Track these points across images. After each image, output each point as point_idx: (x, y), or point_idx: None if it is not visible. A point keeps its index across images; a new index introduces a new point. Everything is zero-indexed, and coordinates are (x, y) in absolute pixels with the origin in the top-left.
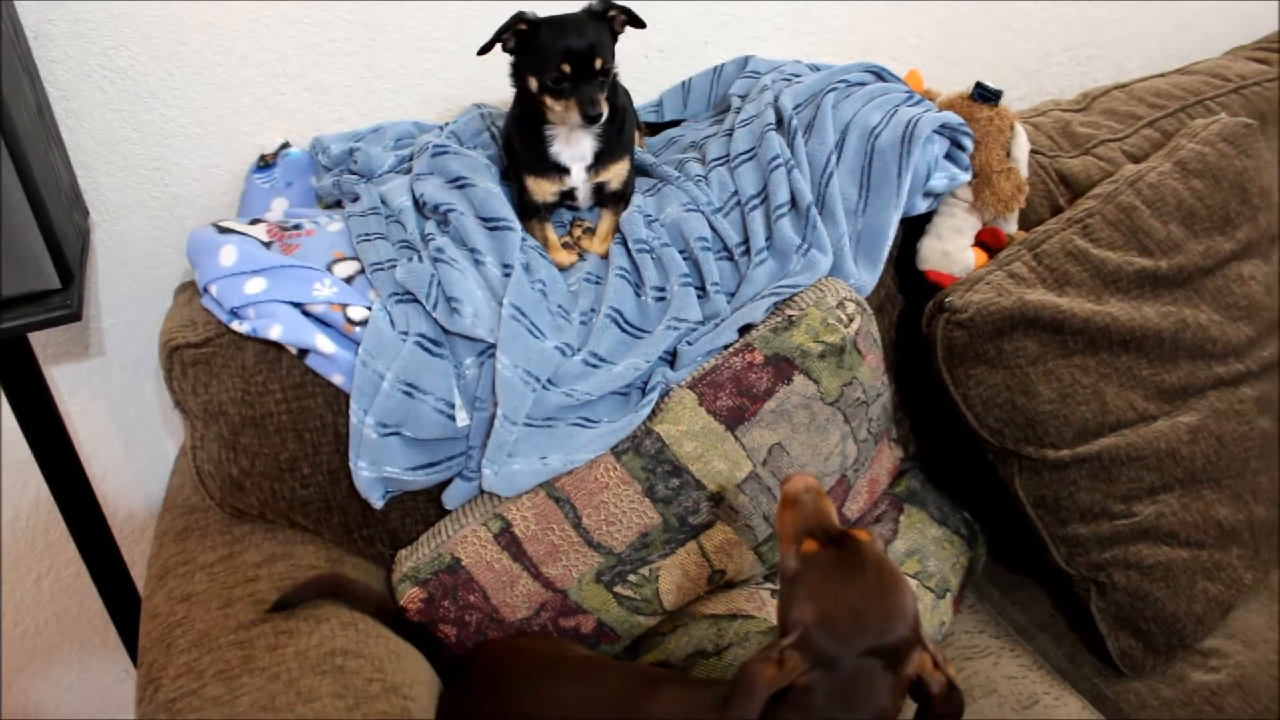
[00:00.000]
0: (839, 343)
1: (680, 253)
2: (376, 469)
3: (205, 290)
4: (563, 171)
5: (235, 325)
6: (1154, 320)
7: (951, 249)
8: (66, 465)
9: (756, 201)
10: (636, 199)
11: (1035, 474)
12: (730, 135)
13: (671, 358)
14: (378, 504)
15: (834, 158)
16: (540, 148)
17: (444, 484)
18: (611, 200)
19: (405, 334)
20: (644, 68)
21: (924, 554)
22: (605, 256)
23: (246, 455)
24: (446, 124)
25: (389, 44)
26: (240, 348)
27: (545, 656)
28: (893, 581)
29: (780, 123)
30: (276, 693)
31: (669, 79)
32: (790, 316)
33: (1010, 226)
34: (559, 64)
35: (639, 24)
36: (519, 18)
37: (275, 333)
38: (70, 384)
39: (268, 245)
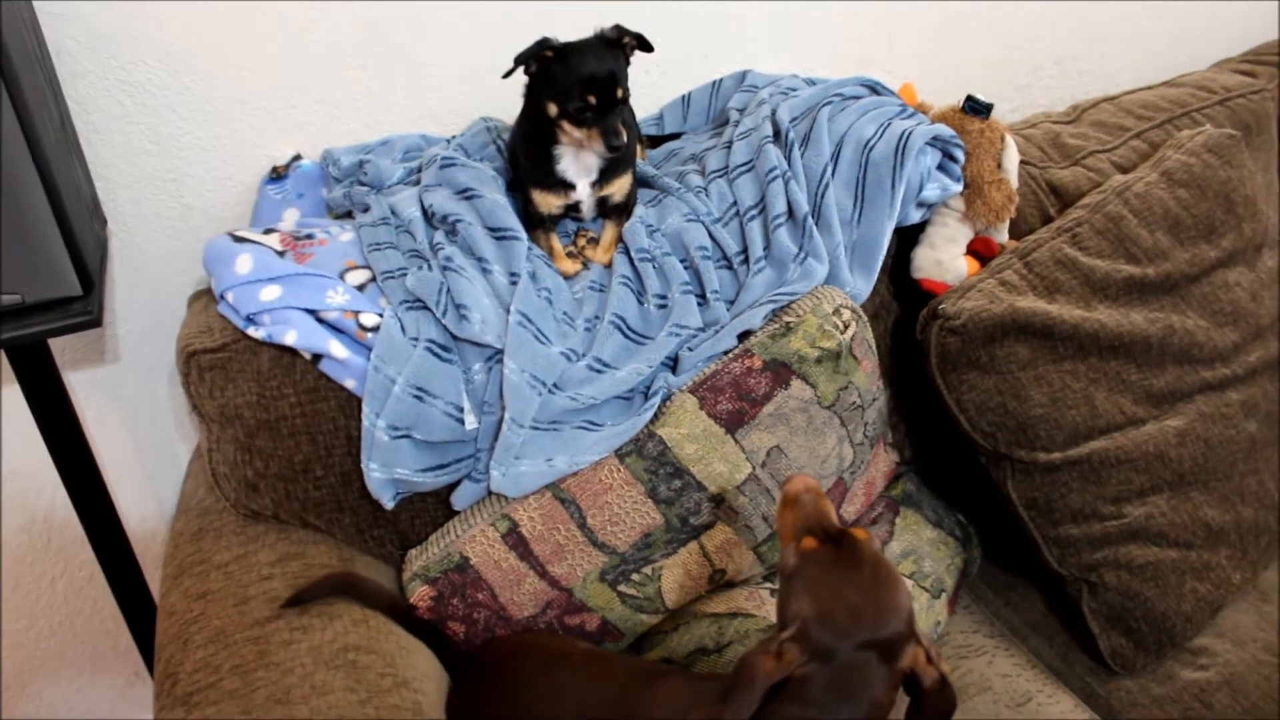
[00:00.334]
0: (835, 348)
1: (681, 261)
2: (388, 470)
3: (221, 297)
4: (568, 186)
5: (251, 331)
6: (1142, 326)
7: (944, 258)
8: (84, 469)
9: (755, 212)
10: (638, 210)
11: (1027, 476)
12: (729, 148)
13: (673, 363)
14: (389, 504)
15: (829, 169)
16: (548, 165)
17: (452, 486)
18: (614, 212)
19: (416, 340)
20: (644, 82)
21: (919, 555)
22: (608, 265)
23: (261, 457)
24: (453, 137)
25: (397, 59)
26: (256, 353)
27: (550, 652)
28: (888, 577)
29: (777, 135)
30: (291, 686)
31: (669, 93)
32: (788, 323)
33: (1001, 235)
34: (583, 94)
35: (649, 48)
36: (545, 44)
37: (290, 338)
38: (86, 390)
39: (281, 254)
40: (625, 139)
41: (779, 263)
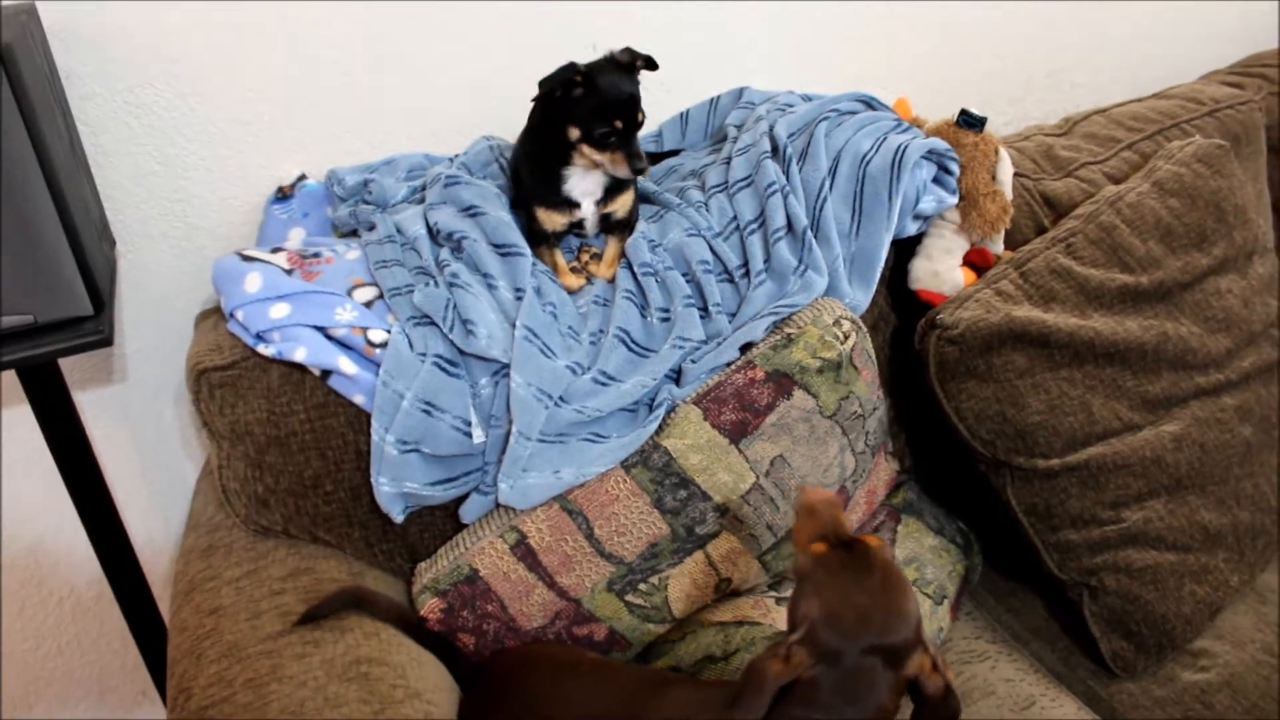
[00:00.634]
0: (836, 359)
1: (683, 275)
2: (397, 484)
3: (231, 316)
4: (573, 205)
5: (261, 349)
6: (1136, 334)
7: (941, 269)
8: (93, 489)
9: (755, 226)
10: (640, 225)
11: (1026, 483)
12: (728, 163)
13: (676, 375)
14: (398, 518)
15: (827, 183)
16: (554, 184)
17: (460, 499)
18: (617, 228)
19: (423, 355)
20: (644, 100)
21: (921, 562)
22: (612, 280)
23: (271, 473)
24: (456, 155)
25: (400, 79)
26: (265, 370)
27: (559, 662)
28: (898, 584)
29: (775, 151)
30: (305, 699)
31: (668, 110)
32: (789, 334)
33: (997, 246)
34: (609, 119)
35: (654, 68)
36: (574, 69)
37: (300, 355)
38: (93, 409)
39: (289, 272)
40: (645, 161)
41: (779, 275)
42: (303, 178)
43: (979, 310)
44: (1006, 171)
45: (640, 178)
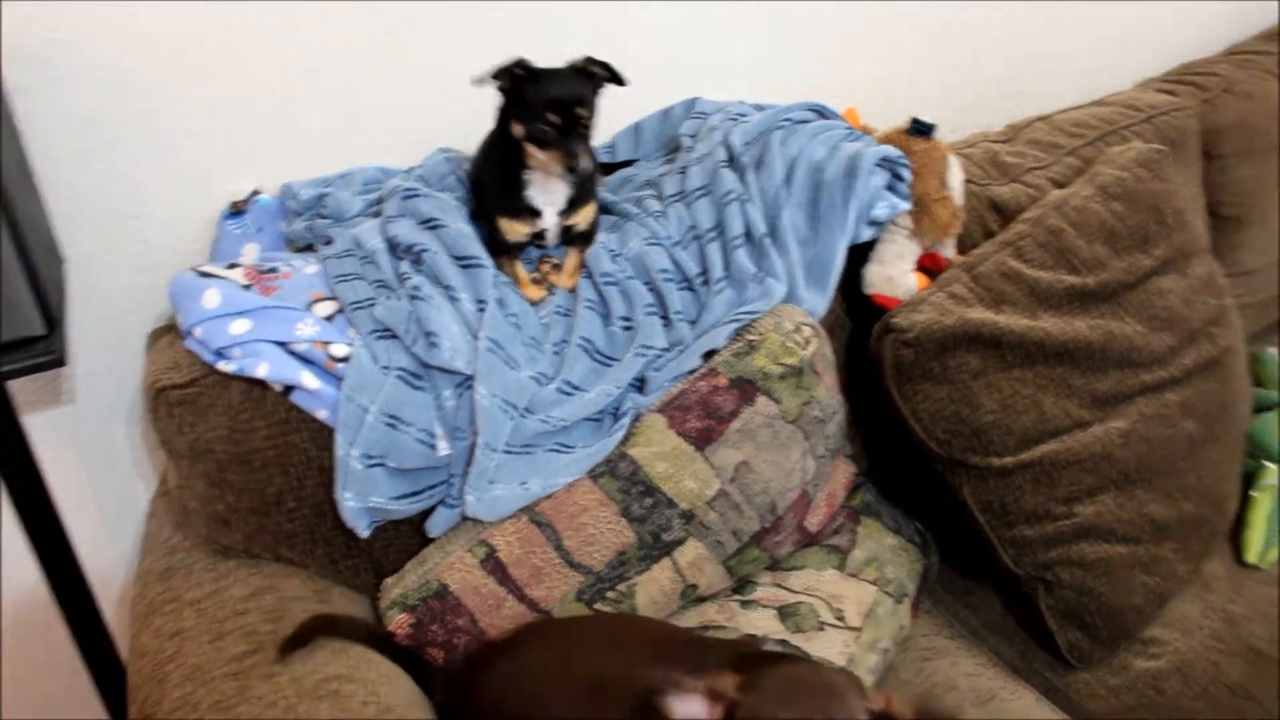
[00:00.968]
0: (797, 364)
1: (644, 284)
2: (362, 499)
3: (189, 333)
4: (535, 214)
5: (221, 365)
6: (1084, 333)
7: (895, 274)
8: (43, 513)
9: (713, 234)
10: (600, 235)
11: (982, 481)
12: (684, 173)
13: (640, 384)
14: (364, 533)
15: (783, 192)
16: (516, 191)
17: (425, 513)
18: (579, 240)
19: (387, 369)
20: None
21: (881, 561)
22: (573, 290)
23: (233, 491)
24: (413, 168)
25: (355, 93)
26: (225, 387)
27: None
28: None
29: (731, 160)
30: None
31: (621, 121)
32: (751, 341)
33: (948, 251)
34: (545, 113)
35: (620, 82)
36: (519, 62)
37: (262, 370)
38: (41, 433)
39: (247, 288)
40: (586, 164)
41: (739, 283)
42: (256, 193)
43: (933, 313)
44: (956, 177)
45: (576, 175)
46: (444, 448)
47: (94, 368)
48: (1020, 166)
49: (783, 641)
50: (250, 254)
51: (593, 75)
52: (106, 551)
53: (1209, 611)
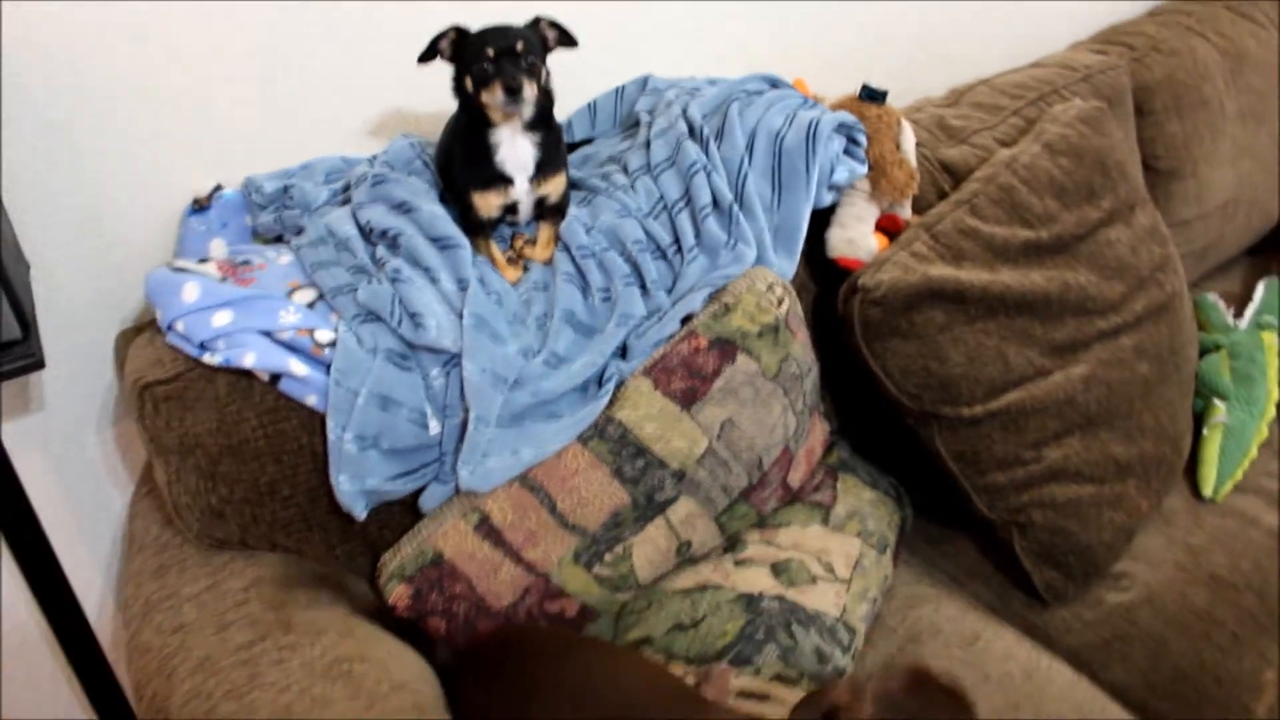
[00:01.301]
0: (773, 322)
1: (620, 255)
2: (358, 482)
3: (170, 328)
4: (507, 182)
5: (206, 358)
6: (1041, 284)
7: (856, 236)
8: (24, 522)
9: (681, 204)
10: (572, 210)
11: (953, 431)
12: (648, 147)
13: (623, 351)
14: (360, 515)
15: (746, 160)
16: (486, 158)
17: (418, 492)
18: (550, 213)
19: (374, 351)
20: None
21: (862, 515)
22: (548, 263)
23: (225, 483)
24: (376, 155)
25: (314, 85)
26: (211, 380)
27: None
28: None
29: (692, 132)
30: (291, 703)
31: (574, 101)
32: (726, 303)
33: (906, 212)
34: (484, 50)
35: (571, 43)
36: (453, 27)
37: (249, 360)
38: (11, 441)
39: (222, 281)
40: (524, 85)
41: (711, 250)
42: (219, 188)
43: (897, 272)
44: (909, 140)
45: (515, 102)
46: (435, 426)
47: (60, 374)
48: (966, 129)
49: (779, 597)
50: (218, 249)
51: (539, 29)
52: (83, 557)
53: (1171, 544)
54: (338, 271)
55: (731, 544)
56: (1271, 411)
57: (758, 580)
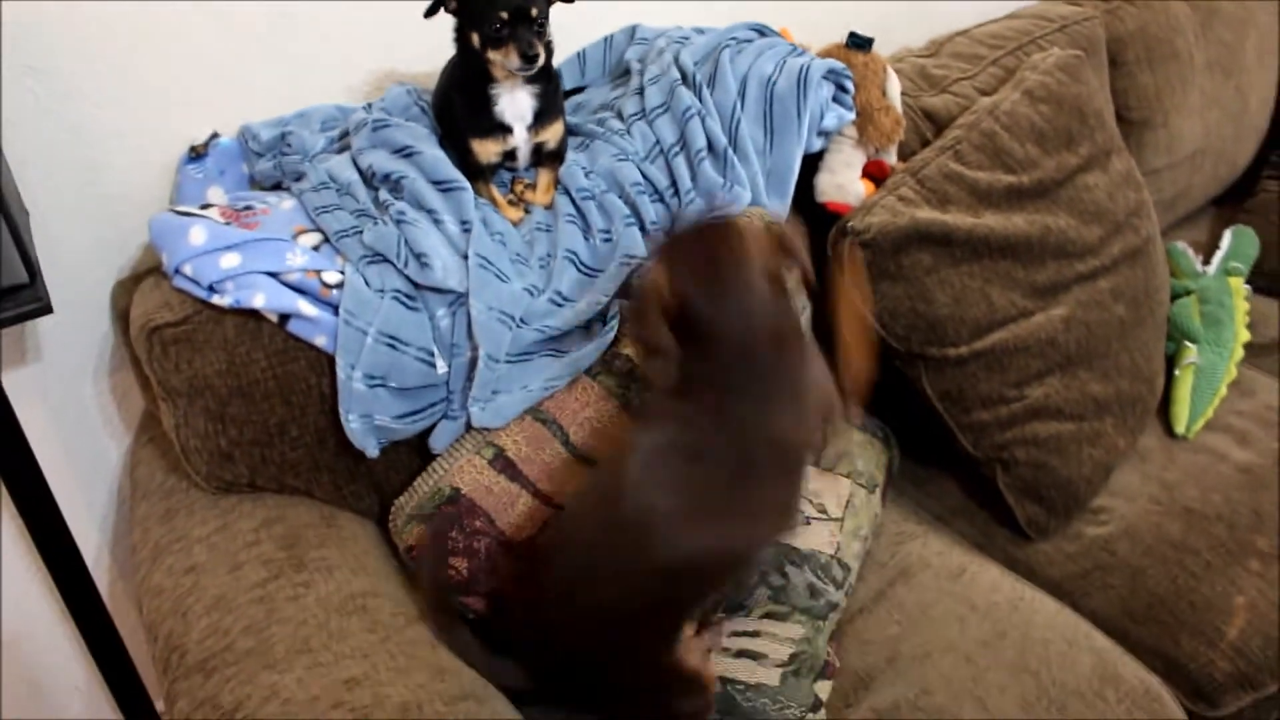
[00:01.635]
0: None
1: (619, 198)
2: (368, 420)
3: (178, 271)
4: (506, 130)
5: (216, 299)
6: (1023, 228)
7: (844, 181)
8: (27, 471)
9: (677, 149)
10: (570, 154)
11: (939, 371)
12: (641, 93)
13: (625, 290)
14: (373, 453)
15: (739, 105)
16: (485, 108)
17: (424, 434)
18: (549, 159)
19: (381, 292)
20: None
21: (852, 455)
22: (548, 207)
23: (235, 425)
24: (373, 103)
25: (309, 33)
26: (219, 322)
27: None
28: None
29: (685, 78)
30: (309, 636)
31: (563, 51)
32: None
33: (891, 158)
34: (498, 12)
35: None
36: None
37: (259, 301)
38: (9, 391)
39: (226, 225)
40: (539, 51)
41: (707, 193)
42: (215, 136)
43: (886, 215)
44: (895, 88)
45: (531, 68)
46: (441, 366)
47: (57, 323)
48: (947, 78)
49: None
50: (216, 197)
51: None
52: (80, 508)
53: (1147, 479)
54: (342, 215)
55: None
56: (1240, 353)
57: None
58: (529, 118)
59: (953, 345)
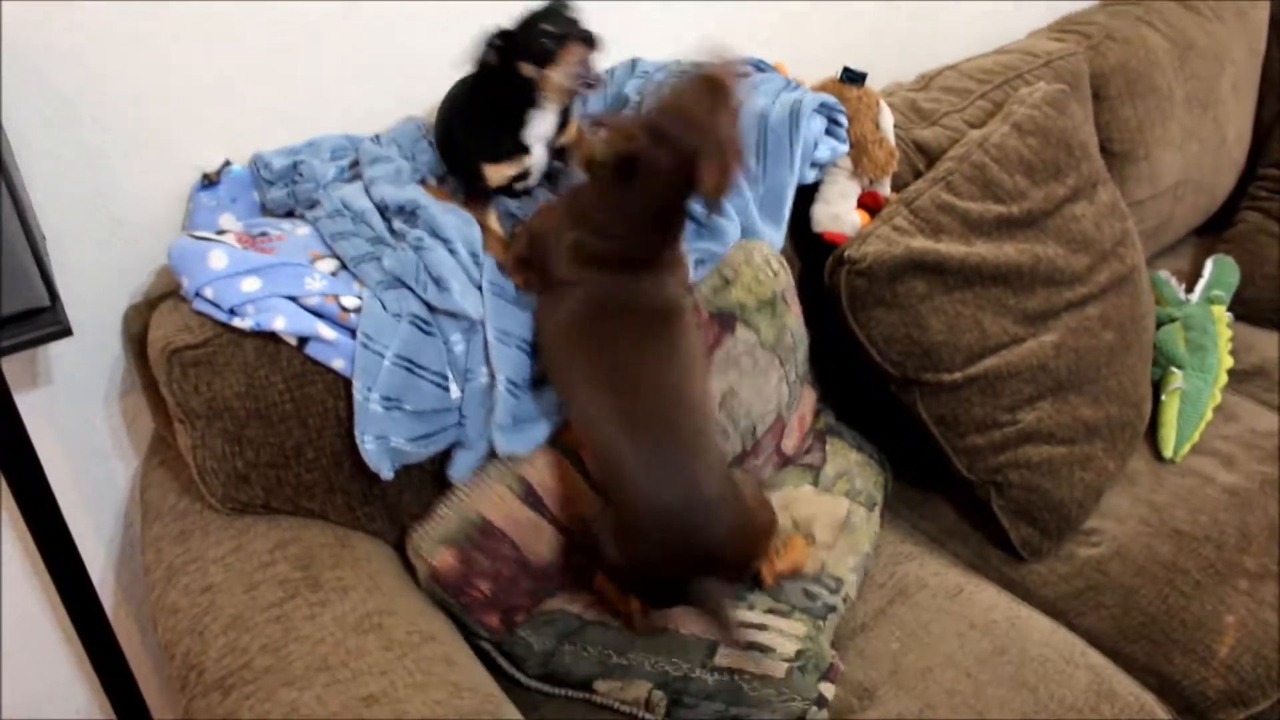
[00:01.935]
0: (771, 296)
1: None
2: (384, 441)
3: (198, 294)
4: (524, 152)
5: (237, 322)
6: (1014, 257)
7: (840, 212)
8: (38, 493)
9: None
10: None
11: (934, 397)
12: None
13: None
14: (388, 475)
15: None
16: (511, 131)
17: (437, 458)
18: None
19: (399, 316)
20: None
21: (851, 475)
22: None
23: (252, 447)
24: (379, 136)
25: (321, 63)
26: (239, 345)
27: None
28: None
29: None
30: (327, 654)
31: None
32: (726, 277)
33: (885, 189)
34: (541, 36)
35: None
36: (497, 33)
37: (279, 324)
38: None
39: (245, 250)
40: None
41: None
42: (228, 163)
43: (881, 245)
44: (888, 121)
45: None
46: (455, 391)
47: (68, 348)
48: (938, 111)
49: None
50: (229, 223)
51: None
52: (87, 530)
53: (1136, 501)
54: (358, 242)
55: None
56: (1223, 378)
57: None
58: (550, 136)
59: (947, 371)
